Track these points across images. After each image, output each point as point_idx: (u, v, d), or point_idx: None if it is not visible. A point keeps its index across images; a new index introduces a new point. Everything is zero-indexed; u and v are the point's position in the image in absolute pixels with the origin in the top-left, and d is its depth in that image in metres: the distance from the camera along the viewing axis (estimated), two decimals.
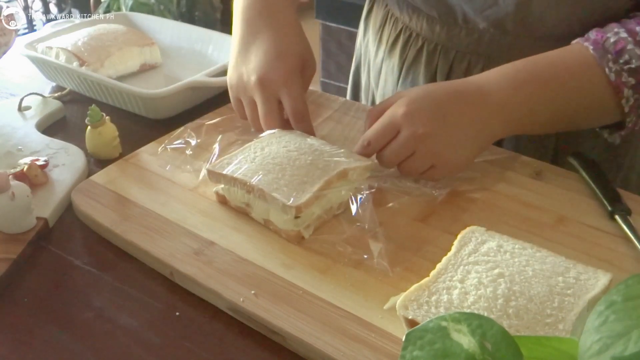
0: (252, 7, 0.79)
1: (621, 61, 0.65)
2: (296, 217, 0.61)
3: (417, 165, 0.67)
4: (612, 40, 0.65)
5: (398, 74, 0.90)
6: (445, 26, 0.82)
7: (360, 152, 0.69)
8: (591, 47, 0.66)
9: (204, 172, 0.70)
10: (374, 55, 0.96)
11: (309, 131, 0.74)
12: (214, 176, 0.67)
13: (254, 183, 0.63)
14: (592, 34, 0.67)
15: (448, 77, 0.84)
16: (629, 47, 0.65)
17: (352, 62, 1.06)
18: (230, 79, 0.78)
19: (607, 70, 0.65)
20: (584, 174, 0.70)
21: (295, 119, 0.73)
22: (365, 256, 0.60)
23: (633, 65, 0.65)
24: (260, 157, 0.67)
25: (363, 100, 1.03)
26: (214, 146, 0.75)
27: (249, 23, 0.78)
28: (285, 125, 0.74)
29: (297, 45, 0.76)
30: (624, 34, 0.65)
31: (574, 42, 0.69)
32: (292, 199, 0.61)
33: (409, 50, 0.87)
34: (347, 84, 1.09)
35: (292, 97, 0.73)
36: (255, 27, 0.77)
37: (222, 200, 0.68)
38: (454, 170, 0.69)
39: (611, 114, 0.69)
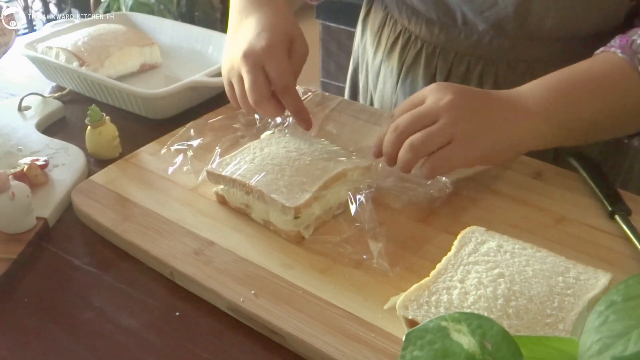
0: None
1: None
2: (295, 218, 0.61)
3: (452, 154, 0.63)
4: (638, 41, 0.65)
5: (397, 76, 0.90)
6: (444, 28, 0.82)
7: (388, 138, 0.65)
8: (619, 51, 0.65)
9: (204, 173, 0.70)
10: (372, 57, 0.95)
11: (297, 105, 0.72)
12: (214, 177, 0.67)
13: (252, 184, 0.63)
14: (616, 41, 0.67)
15: (447, 79, 0.84)
16: None
17: (350, 64, 1.06)
18: (223, 64, 0.78)
19: None
20: (584, 174, 0.70)
21: (280, 90, 0.71)
22: (365, 256, 0.60)
23: None
24: (259, 157, 0.67)
25: (361, 102, 1.03)
26: (216, 147, 0.75)
27: (239, 12, 0.78)
28: (271, 97, 0.71)
29: (282, 23, 0.75)
30: None
31: (598, 51, 0.68)
32: (291, 200, 0.61)
33: (408, 52, 0.87)
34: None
35: (276, 67, 0.70)
36: (244, 13, 0.77)
37: (222, 201, 0.68)
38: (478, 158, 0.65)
39: None
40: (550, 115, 0.64)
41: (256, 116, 0.78)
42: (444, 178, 0.68)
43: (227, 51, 0.77)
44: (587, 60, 0.67)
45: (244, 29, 0.75)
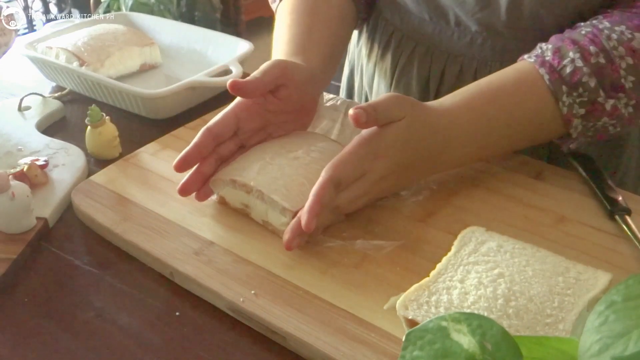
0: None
1: (575, 94, 0.65)
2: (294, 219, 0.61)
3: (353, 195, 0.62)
4: (568, 70, 0.65)
5: (391, 77, 0.90)
6: (437, 28, 0.82)
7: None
8: (547, 77, 0.65)
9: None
10: (367, 59, 0.95)
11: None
12: (214, 184, 0.67)
13: (252, 184, 0.63)
14: (548, 54, 0.66)
15: (441, 80, 0.84)
16: (584, 79, 0.64)
17: (345, 65, 1.06)
18: None
19: (560, 104, 0.65)
20: (583, 173, 0.70)
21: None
22: (366, 256, 0.60)
23: (585, 99, 0.65)
24: (259, 158, 0.67)
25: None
26: None
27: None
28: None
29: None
30: (579, 62, 0.65)
31: (527, 59, 0.68)
32: (290, 201, 0.61)
33: (402, 53, 0.87)
34: None
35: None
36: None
37: (222, 201, 0.68)
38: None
39: (559, 134, 0.70)
40: (471, 140, 0.67)
41: None
42: None
43: None
44: (511, 74, 0.68)
45: None
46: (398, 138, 0.62)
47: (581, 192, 0.68)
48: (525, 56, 0.69)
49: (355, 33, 1.01)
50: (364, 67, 0.97)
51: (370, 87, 0.96)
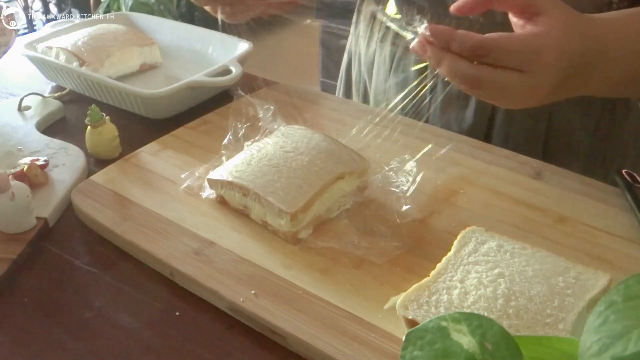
0: None
1: None
2: (292, 220, 0.61)
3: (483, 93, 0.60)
4: None
5: (390, 65, 0.91)
6: (435, 16, 0.82)
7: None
8: None
9: (195, 174, 0.69)
10: (366, 48, 0.96)
11: None
12: (213, 183, 0.67)
13: (249, 186, 0.63)
14: None
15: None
16: None
17: (344, 55, 1.06)
18: None
19: None
20: (628, 196, 0.67)
21: None
22: (366, 256, 0.60)
23: None
24: (256, 159, 0.67)
25: (354, 94, 1.04)
26: (222, 152, 0.74)
27: None
28: None
29: None
30: None
31: None
32: (287, 203, 0.61)
33: (401, 41, 0.88)
34: None
35: None
36: None
37: (222, 201, 0.68)
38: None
39: None
40: (624, 58, 0.62)
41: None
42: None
43: None
44: None
45: None
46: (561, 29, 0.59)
47: (581, 192, 0.69)
48: None
49: (353, 19, 1.01)
50: (362, 56, 0.98)
51: (370, 75, 0.96)
